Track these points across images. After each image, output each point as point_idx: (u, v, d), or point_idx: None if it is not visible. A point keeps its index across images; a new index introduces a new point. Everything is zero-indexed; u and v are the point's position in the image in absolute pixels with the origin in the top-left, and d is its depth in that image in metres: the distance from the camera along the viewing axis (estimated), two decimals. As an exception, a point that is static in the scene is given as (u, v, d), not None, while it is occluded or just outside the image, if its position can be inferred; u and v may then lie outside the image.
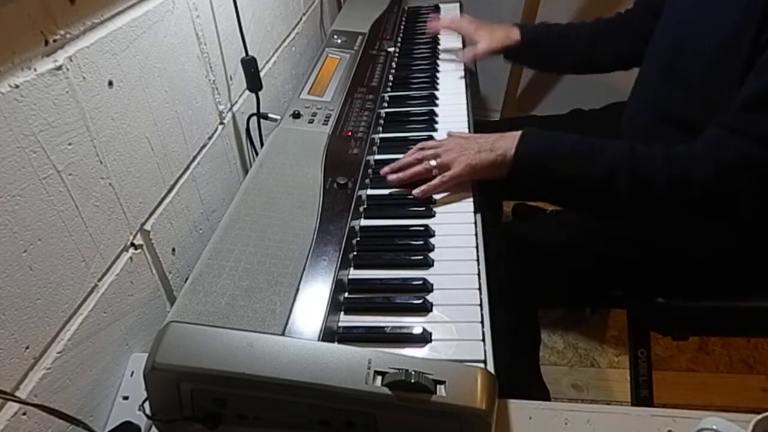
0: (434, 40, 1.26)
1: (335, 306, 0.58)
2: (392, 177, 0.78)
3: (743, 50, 0.67)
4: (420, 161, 0.77)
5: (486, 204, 0.77)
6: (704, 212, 0.69)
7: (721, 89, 0.71)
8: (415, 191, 0.75)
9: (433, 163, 0.76)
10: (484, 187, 0.79)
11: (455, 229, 0.70)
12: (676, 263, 0.81)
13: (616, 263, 0.83)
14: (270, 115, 0.93)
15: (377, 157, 0.86)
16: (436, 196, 0.76)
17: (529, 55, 1.11)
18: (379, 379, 0.43)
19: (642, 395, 0.96)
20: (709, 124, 0.68)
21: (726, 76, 0.69)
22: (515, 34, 1.08)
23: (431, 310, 0.59)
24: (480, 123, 1.00)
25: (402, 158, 0.80)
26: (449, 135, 0.84)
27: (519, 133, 0.74)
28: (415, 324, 0.57)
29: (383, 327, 0.58)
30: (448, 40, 1.26)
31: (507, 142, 0.73)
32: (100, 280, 0.56)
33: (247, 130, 0.94)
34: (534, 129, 0.74)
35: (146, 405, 0.47)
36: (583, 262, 0.84)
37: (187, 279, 0.58)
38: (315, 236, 0.63)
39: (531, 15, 1.62)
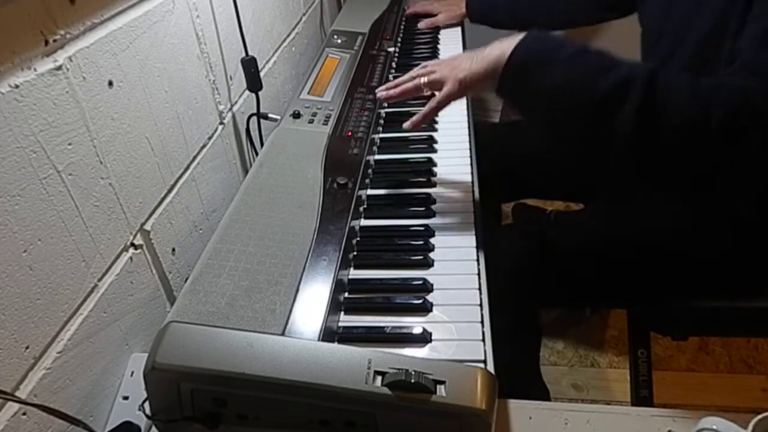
0: (434, 40, 1.26)
1: (335, 306, 0.58)
2: (381, 93, 0.74)
3: (727, 40, 0.64)
4: (409, 80, 0.73)
5: (485, 204, 0.77)
6: (714, 157, 0.59)
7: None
8: (405, 124, 0.71)
9: (423, 80, 0.70)
10: (484, 188, 0.79)
11: (455, 229, 0.70)
12: (677, 264, 0.81)
13: (616, 265, 0.83)
14: (270, 115, 0.93)
15: (377, 157, 0.86)
16: (436, 195, 0.76)
17: (486, 18, 1.24)
18: (379, 379, 0.43)
19: (642, 395, 0.96)
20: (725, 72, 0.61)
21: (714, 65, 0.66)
22: (463, 10, 1.27)
23: (431, 310, 0.59)
24: (480, 123, 1.00)
25: (395, 80, 0.75)
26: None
27: (519, 36, 0.62)
28: (415, 324, 0.57)
29: (383, 327, 0.58)
30: (449, 40, 1.26)
31: (503, 46, 0.62)
32: (100, 280, 0.56)
33: (247, 130, 0.94)
34: (542, 31, 0.63)
35: (146, 405, 0.47)
36: (583, 264, 0.84)
37: (187, 279, 0.58)
38: (315, 236, 0.63)
39: (531, 15, 1.62)
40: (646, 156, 0.60)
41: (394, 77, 1.07)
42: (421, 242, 0.68)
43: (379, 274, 0.65)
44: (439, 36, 1.28)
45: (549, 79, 0.59)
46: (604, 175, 0.92)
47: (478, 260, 0.65)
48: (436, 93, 0.69)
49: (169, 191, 0.70)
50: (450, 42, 1.25)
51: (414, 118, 0.70)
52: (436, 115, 0.75)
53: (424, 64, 0.74)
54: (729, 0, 0.65)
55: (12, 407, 0.46)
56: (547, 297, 0.91)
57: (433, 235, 0.69)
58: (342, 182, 0.72)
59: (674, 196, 0.82)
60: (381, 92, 0.74)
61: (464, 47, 1.23)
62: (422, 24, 1.32)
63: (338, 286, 0.59)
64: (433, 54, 1.19)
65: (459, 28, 1.31)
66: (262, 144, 0.94)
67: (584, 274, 0.84)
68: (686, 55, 0.73)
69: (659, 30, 0.81)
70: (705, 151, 0.58)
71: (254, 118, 0.93)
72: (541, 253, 0.85)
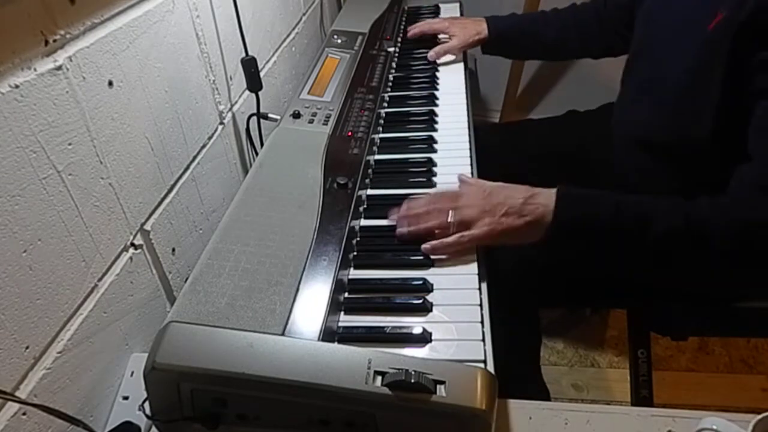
0: (434, 40, 1.25)
1: (335, 306, 0.58)
2: (403, 230, 0.68)
3: (716, 80, 0.67)
4: (434, 213, 0.67)
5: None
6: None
7: (695, 115, 0.71)
8: (425, 246, 0.65)
9: (451, 219, 0.65)
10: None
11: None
12: (672, 266, 0.81)
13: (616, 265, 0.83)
14: (270, 115, 0.93)
15: (377, 157, 0.86)
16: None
17: (501, 47, 1.15)
18: (379, 379, 0.43)
19: (642, 395, 0.96)
20: (737, 180, 0.65)
21: (699, 102, 0.70)
22: (484, 29, 1.11)
23: (431, 310, 0.59)
24: (480, 123, 1.00)
25: (412, 205, 0.69)
26: (463, 181, 0.75)
27: (552, 193, 0.65)
28: (415, 324, 0.57)
29: (383, 327, 0.58)
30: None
31: (539, 207, 0.64)
32: (100, 280, 0.56)
33: (247, 130, 0.94)
34: (568, 190, 0.66)
35: (146, 405, 0.47)
36: (582, 266, 0.84)
37: (187, 279, 0.58)
38: (315, 236, 0.63)
39: (531, 15, 1.62)
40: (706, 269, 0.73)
41: (394, 77, 1.08)
42: (421, 242, 0.68)
43: (379, 274, 0.65)
44: (439, 36, 1.28)
45: (598, 241, 0.67)
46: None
47: (478, 260, 0.65)
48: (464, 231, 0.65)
49: (169, 191, 0.70)
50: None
51: (436, 243, 0.65)
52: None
53: (438, 193, 0.71)
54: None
55: (12, 407, 0.46)
56: (548, 297, 0.91)
57: (433, 235, 0.69)
58: (342, 182, 0.72)
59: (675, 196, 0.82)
60: (402, 230, 0.68)
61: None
62: (433, 54, 1.13)
63: (338, 286, 0.59)
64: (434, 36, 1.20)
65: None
66: (262, 144, 0.94)
67: (584, 274, 0.84)
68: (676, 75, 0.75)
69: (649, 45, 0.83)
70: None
71: (254, 118, 0.93)
72: (540, 252, 0.85)
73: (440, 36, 1.18)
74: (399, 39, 1.25)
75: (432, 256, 0.65)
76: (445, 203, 0.67)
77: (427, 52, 1.16)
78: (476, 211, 0.65)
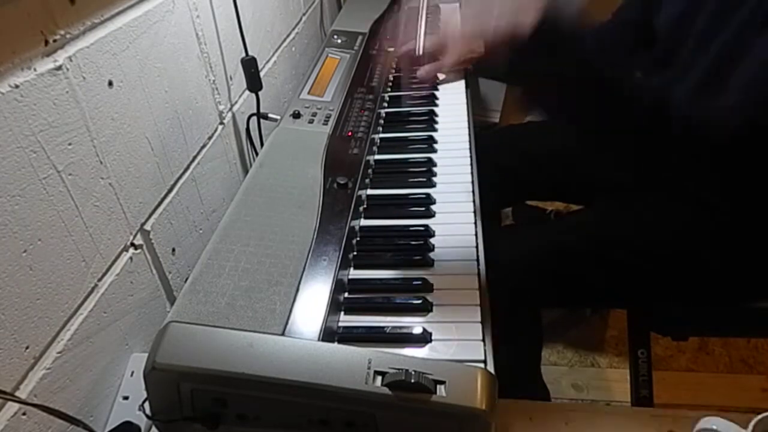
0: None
1: (335, 306, 0.58)
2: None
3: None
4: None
5: (485, 204, 0.77)
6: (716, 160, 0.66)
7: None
8: (419, 72, 0.72)
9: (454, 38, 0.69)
10: (484, 188, 0.79)
11: (455, 229, 0.70)
12: (677, 265, 0.81)
13: (616, 265, 0.83)
14: (270, 115, 0.93)
15: (377, 157, 0.86)
16: (436, 195, 0.76)
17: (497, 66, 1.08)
18: (379, 379, 0.43)
19: (642, 395, 0.96)
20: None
21: None
22: (479, 45, 1.04)
23: (431, 310, 0.59)
24: (480, 123, 1.00)
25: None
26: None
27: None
28: (415, 324, 0.57)
29: (383, 327, 0.58)
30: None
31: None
32: (100, 280, 0.56)
33: (247, 130, 0.94)
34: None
35: (146, 405, 0.47)
36: (583, 265, 0.84)
37: (187, 279, 0.58)
38: (315, 236, 0.63)
39: (531, 15, 1.62)
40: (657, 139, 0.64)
41: (394, 78, 1.08)
42: (421, 242, 0.68)
43: (379, 274, 0.65)
44: (439, 36, 1.28)
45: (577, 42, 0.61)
46: (606, 172, 0.92)
47: (478, 260, 0.65)
48: None
49: (169, 191, 0.70)
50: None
51: (427, 66, 0.70)
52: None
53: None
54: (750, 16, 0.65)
55: (12, 407, 0.46)
56: (548, 297, 0.91)
57: (433, 235, 0.69)
58: (342, 182, 0.72)
59: (675, 197, 0.82)
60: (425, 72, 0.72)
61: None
62: (423, 72, 0.99)
63: (338, 286, 0.59)
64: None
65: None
66: (262, 144, 0.94)
67: (584, 274, 0.85)
68: (706, 65, 0.72)
69: (677, 39, 0.80)
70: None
71: (254, 118, 0.93)
72: (541, 253, 0.86)
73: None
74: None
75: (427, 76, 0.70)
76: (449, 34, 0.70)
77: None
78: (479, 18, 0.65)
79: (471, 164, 0.83)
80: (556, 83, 0.65)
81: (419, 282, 0.62)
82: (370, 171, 0.82)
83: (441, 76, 1.05)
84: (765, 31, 0.64)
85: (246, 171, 0.95)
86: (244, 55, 0.85)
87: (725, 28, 0.70)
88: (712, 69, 0.71)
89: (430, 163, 0.83)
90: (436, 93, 1.03)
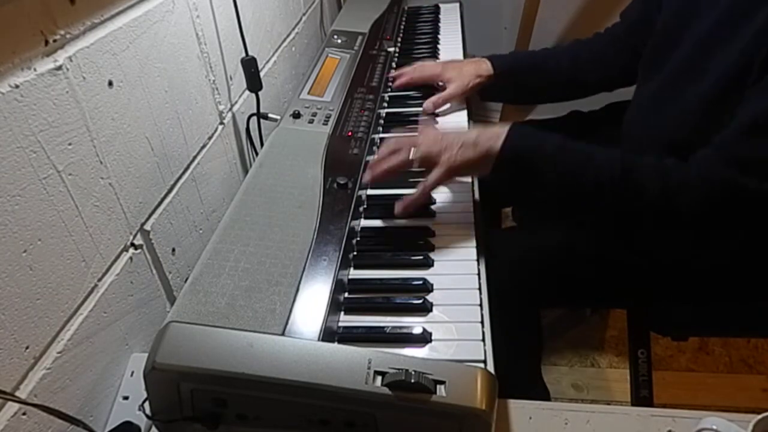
0: (434, 41, 1.26)
1: (335, 306, 0.58)
2: (368, 176, 0.73)
3: (749, 82, 0.63)
4: (395, 154, 0.71)
5: (485, 205, 0.77)
6: (693, 228, 0.68)
7: (720, 119, 0.67)
8: (397, 209, 0.71)
9: (412, 155, 0.70)
10: (484, 188, 0.79)
11: (455, 229, 0.70)
12: (675, 272, 0.81)
13: (616, 265, 0.83)
14: (270, 115, 0.93)
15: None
16: (436, 195, 0.76)
17: (507, 87, 1.01)
18: (379, 379, 0.43)
19: (642, 395, 0.96)
20: (703, 145, 0.65)
21: (727, 107, 0.66)
22: (487, 68, 0.98)
23: (431, 310, 0.59)
24: (479, 124, 1.00)
25: (380, 151, 0.74)
26: (421, 129, 0.77)
27: (504, 128, 0.68)
28: (415, 324, 0.57)
29: (383, 327, 0.58)
30: (448, 41, 1.26)
31: (491, 139, 0.67)
32: (100, 280, 0.57)
33: (247, 130, 0.94)
34: (519, 125, 0.69)
35: (146, 405, 0.47)
36: (582, 267, 0.84)
37: (187, 279, 0.58)
38: (315, 236, 0.63)
39: (531, 15, 1.62)
40: (635, 223, 0.71)
41: (394, 78, 1.08)
42: (421, 242, 0.68)
43: (379, 274, 0.65)
44: (439, 36, 1.28)
45: (539, 174, 0.67)
46: None
47: (478, 260, 0.65)
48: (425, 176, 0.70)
49: (169, 191, 0.70)
50: (450, 42, 1.25)
51: (405, 202, 0.71)
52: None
53: (399, 136, 0.75)
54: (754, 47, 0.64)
55: (12, 407, 0.46)
56: (548, 296, 0.91)
57: (433, 236, 0.69)
58: (342, 182, 0.72)
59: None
60: (366, 177, 0.74)
61: (464, 47, 1.23)
62: (430, 105, 0.96)
63: (338, 286, 0.59)
64: (433, 55, 1.19)
65: (459, 30, 1.31)
66: (262, 144, 0.94)
67: (584, 273, 0.84)
68: (707, 86, 0.71)
69: (674, 47, 0.78)
70: (680, 225, 0.67)
71: (254, 118, 0.93)
72: (540, 256, 0.86)
73: (439, 83, 1.00)
74: (399, 39, 1.25)
75: (402, 214, 0.71)
76: (405, 143, 0.72)
77: (427, 53, 1.16)
78: (435, 147, 0.69)
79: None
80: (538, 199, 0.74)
81: (419, 282, 0.62)
82: (370, 171, 0.82)
83: (446, 106, 0.97)
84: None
85: (246, 171, 0.95)
86: (244, 55, 0.85)
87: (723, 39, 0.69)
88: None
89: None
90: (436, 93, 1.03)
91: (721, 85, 0.68)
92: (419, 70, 1.03)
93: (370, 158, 0.83)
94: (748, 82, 0.63)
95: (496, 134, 0.68)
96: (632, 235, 0.80)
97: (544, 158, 0.67)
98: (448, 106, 0.98)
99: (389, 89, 1.04)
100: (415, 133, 0.75)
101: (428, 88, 1.04)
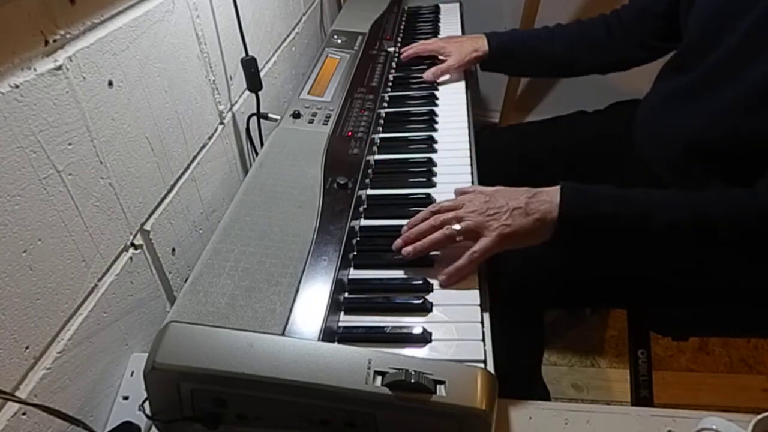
0: (432, 60, 1.25)
1: (335, 306, 0.58)
2: (407, 249, 0.64)
3: None
4: (438, 227, 0.64)
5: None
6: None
7: (762, 120, 0.68)
8: (441, 278, 0.62)
9: (456, 227, 0.63)
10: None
11: (455, 229, 0.70)
12: (674, 267, 0.81)
13: (615, 266, 0.83)
14: (270, 115, 0.93)
15: (377, 157, 0.86)
16: (436, 195, 0.76)
17: (503, 62, 1.07)
18: (379, 379, 0.43)
19: (642, 395, 0.96)
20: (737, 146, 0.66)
21: None
22: (483, 44, 1.05)
23: (431, 310, 0.59)
24: (480, 124, 1.00)
25: (413, 223, 0.66)
26: (461, 191, 0.71)
27: (556, 190, 0.64)
28: (415, 324, 0.57)
29: (383, 327, 0.58)
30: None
31: (544, 204, 0.63)
32: (100, 280, 0.57)
33: (247, 130, 0.94)
34: (570, 185, 0.65)
35: (146, 405, 0.47)
36: (583, 267, 0.84)
37: (187, 279, 0.58)
38: (315, 236, 0.63)
39: (531, 15, 1.62)
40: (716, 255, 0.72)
41: (394, 78, 1.09)
42: (421, 242, 0.68)
43: (379, 274, 0.65)
44: (439, 36, 1.28)
45: (604, 234, 0.64)
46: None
47: (478, 260, 0.65)
48: (471, 243, 0.63)
49: (169, 191, 0.70)
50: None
51: (450, 273, 0.62)
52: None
53: (436, 206, 0.67)
54: None
55: (12, 407, 0.46)
56: (548, 297, 0.91)
57: (433, 235, 0.69)
58: (342, 182, 0.72)
59: None
60: (407, 249, 0.64)
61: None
62: (429, 75, 1.06)
63: (338, 286, 0.59)
64: (433, 56, 1.19)
65: (459, 30, 1.31)
66: (262, 144, 0.94)
67: (585, 274, 0.84)
68: (751, 81, 0.71)
69: (707, 46, 0.78)
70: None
71: (254, 118, 0.93)
72: (541, 251, 0.85)
73: (440, 56, 1.10)
74: (399, 39, 1.25)
75: (448, 285, 0.62)
76: (448, 215, 0.65)
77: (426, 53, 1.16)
78: (481, 217, 0.63)
79: (471, 164, 0.83)
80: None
81: (419, 282, 0.62)
82: (370, 171, 0.82)
83: (446, 77, 1.06)
84: None
85: (246, 171, 0.95)
86: (244, 55, 0.85)
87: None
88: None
89: (430, 163, 0.83)
90: (436, 93, 1.03)
91: (763, 87, 0.67)
92: (423, 44, 1.13)
93: (370, 158, 0.83)
94: None
95: (549, 199, 0.63)
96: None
97: (608, 214, 0.63)
98: (447, 76, 1.07)
99: (389, 89, 1.05)
100: (457, 200, 0.68)
101: (428, 87, 1.05)
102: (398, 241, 0.66)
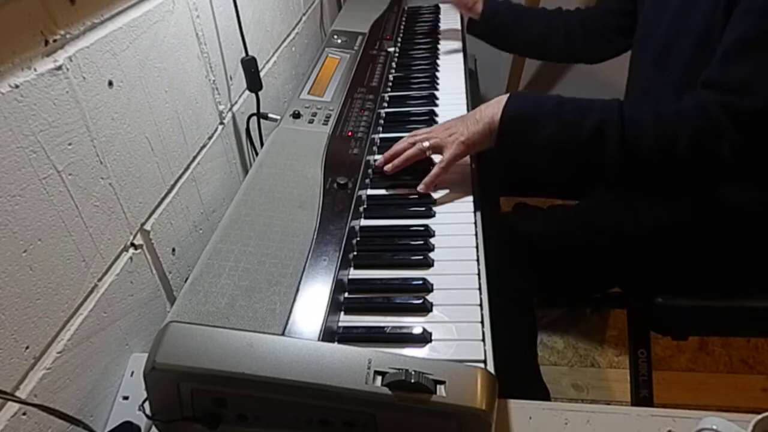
0: (434, 41, 1.26)
1: (335, 306, 0.58)
2: (388, 167, 0.78)
3: (717, 39, 0.69)
4: (410, 147, 0.78)
5: (484, 201, 0.77)
6: (692, 172, 0.70)
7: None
8: (419, 187, 0.75)
9: (425, 144, 0.76)
10: (482, 184, 0.79)
11: (455, 229, 0.70)
12: (670, 260, 0.81)
13: (612, 258, 0.83)
14: (270, 115, 0.93)
15: (377, 157, 0.86)
16: (436, 195, 0.76)
17: (486, 29, 1.15)
18: (379, 379, 0.43)
19: (642, 395, 0.96)
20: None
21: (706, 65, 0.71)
22: (479, 5, 1.14)
23: (431, 310, 0.59)
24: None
25: (392, 148, 0.80)
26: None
27: (504, 97, 0.74)
28: (415, 324, 0.57)
29: (383, 327, 0.58)
30: (448, 41, 1.26)
31: (492, 109, 0.73)
32: (100, 280, 0.57)
33: (247, 130, 0.94)
34: (519, 91, 0.76)
35: (146, 405, 0.47)
36: (578, 256, 0.84)
37: (187, 279, 0.58)
38: (315, 236, 0.63)
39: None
40: (633, 177, 0.75)
41: (394, 77, 1.09)
42: (421, 242, 0.68)
43: (379, 274, 0.65)
44: (439, 37, 1.28)
45: (539, 132, 0.71)
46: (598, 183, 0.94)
47: (478, 260, 0.65)
48: (439, 156, 0.77)
49: (169, 191, 0.70)
50: (450, 43, 1.25)
51: (427, 180, 0.75)
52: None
53: (414, 132, 0.81)
54: (714, 3, 0.70)
55: (12, 407, 0.46)
56: (545, 291, 0.91)
57: (433, 235, 0.69)
58: (342, 182, 0.72)
59: (670, 193, 0.82)
60: (387, 167, 0.78)
61: (464, 47, 1.23)
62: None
63: (338, 286, 0.59)
64: (433, 55, 1.19)
65: (459, 28, 1.31)
66: (262, 144, 0.94)
67: (581, 268, 0.85)
68: (682, 55, 0.77)
69: (652, 33, 0.83)
70: (682, 169, 0.70)
71: (254, 118, 0.93)
72: (537, 246, 0.86)
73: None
74: (399, 39, 1.25)
75: (426, 191, 0.75)
76: (419, 137, 0.79)
77: (427, 53, 1.16)
78: (445, 133, 0.77)
79: (471, 164, 0.83)
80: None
81: (419, 282, 0.62)
82: (370, 171, 0.82)
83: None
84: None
85: (246, 171, 0.95)
86: (244, 55, 0.85)
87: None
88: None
89: (430, 162, 0.83)
90: (436, 93, 1.03)
91: (699, 43, 0.73)
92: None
93: (370, 158, 0.83)
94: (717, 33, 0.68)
95: (496, 104, 0.73)
96: (634, 204, 0.83)
97: (543, 119, 0.71)
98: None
99: (389, 89, 1.05)
100: (429, 128, 0.81)
101: (428, 88, 1.04)
102: (380, 160, 0.81)
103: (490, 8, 1.13)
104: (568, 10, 1.12)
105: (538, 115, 0.71)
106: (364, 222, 0.73)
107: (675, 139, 0.66)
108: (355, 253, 0.68)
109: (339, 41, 1.14)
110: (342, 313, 0.60)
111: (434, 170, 0.75)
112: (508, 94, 0.73)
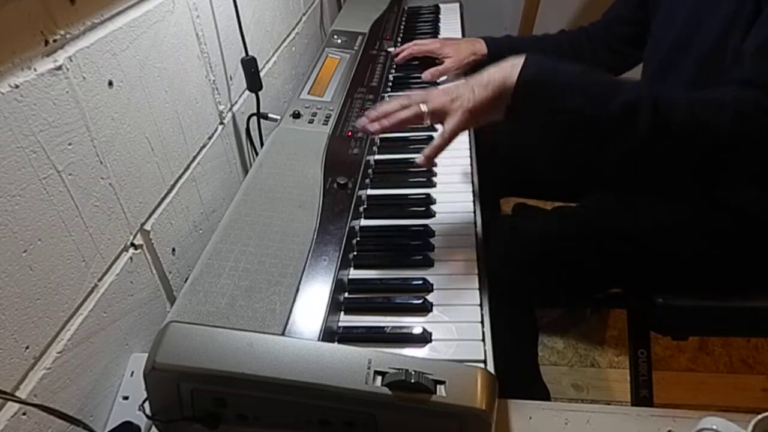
0: (430, 60, 1.25)
1: (335, 306, 0.58)
2: (373, 126, 0.65)
3: (737, 40, 0.67)
4: (407, 108, 0.65)
5: (484, 202, 0.77)
6: (720, 161, 0.64)
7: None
8: (418, 159, 0.64)
9: (423, 107, 0.64)
10: (484, 185, 0.79)
11: (455, 229, 0.70)
12: (671, 260, 0.81)
13: (612, 258, 0.83)
14: (270, 115, 0.93)
15: (377, 157, 0.86)
16: (436, 195, 0.76)
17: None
18: (379, 379, 0.43)
19: (642, 395, 0.96)
20: (723, 80, 0.64)
21: (721, 67, 0.69)
22: (482, 47, 1.08)
23: (431, 310, 0.59)
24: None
25: (380, 107, 0.67)
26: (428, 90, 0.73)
27: (516, 59, 0.62)
28: (415, 324, 0.57)
29: (383, 327, 0.58)
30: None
31: (503, 72, 0.62)
32: (100, 280, 0.57)
33: (247, 130, 0.94)
34: (533, 55, 0.63)
35: (146, 405, 0.47)
36: (578, 256, 0.84)
37: (187, 279, 0.58)
38: (315, 236, 0.63)
39: (530, 15, 1.62)
40: (657, 160, 0.66)
41: (394, 78, 1.08)
42: (421, 242, 0.68)
43: (379, 274, 0.65)
44: (439, 36, 1.28)
45: (561, 101, 0.60)
46: (601, 179, 0.93)
47: (478, 260, 0.65)
48: (440, 125, 0.65)
49: (169, 191, 0.70)
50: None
51: (427, 152, 0.64)
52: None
53: (407, 94, 0.68)
54: (737, 4, 0.67)
55: (12, 407, 0.46)
56: (545, 291, 0.91)
57: (433, 235, 0.69)
58: (342, 182, 0.72)
59: (672, 193, 0.82)
60: (373, 125, 0.66)
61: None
62: (428, 75, 1.05)
63: (338, 286, 0.59)
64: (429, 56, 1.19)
65: (459, 30, 1.31)
66: (262, 144, 0.94)
67: (581, 267, 0.84)
68: (695, 57, 0.75)
69: (663, 37, 0.82)
70: (709, 158, 0.63)
71: (254, 118, 0.93)
72: (537, 245, 0.86)
73: (437, 58, 1.09)
74: (399, 39, 1.25)
75: (426, 165, 0.65)
76: (416, 98, 0.66)
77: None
78: (447, 98, 0.64)
79: (471, 164, 0.83)
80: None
81: (419, 282, 0.62)
82: (370, 171, 0.82)
83: (443, 78, 1.06)
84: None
85: (246, 171, 0.95)
86: (244, 55, 0.85)
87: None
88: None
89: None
90: (439, 125, 1.03)
91: (717, 44, 0.70)
92: (419, 44, 1.11)
93: (370, 158, 0.83)
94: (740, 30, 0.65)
95: (509, 66, 0.61)
96: (634, 204, 0.80)
97: (566, 82, 0.61)
98: (444, 77, 1.06)
99: (389, 89, 1.04)
100: (427, 90, 0.69)
101: (428, 86, 1.04)
102: (361, 120, 0.67)
103: (495, 51, 1.07)
104: (571, 30, 1.10)
105: (560, 83, 0.61)
106: (364, 222, 0.73)
107: (715, 126, 0.60)
108: (355, 253, 0.68)
109: (339, 41, 1.14)
110: (342, 313, 0.60)
111: (436, 141, 0.63)
112: (523, 56, 0.61)
